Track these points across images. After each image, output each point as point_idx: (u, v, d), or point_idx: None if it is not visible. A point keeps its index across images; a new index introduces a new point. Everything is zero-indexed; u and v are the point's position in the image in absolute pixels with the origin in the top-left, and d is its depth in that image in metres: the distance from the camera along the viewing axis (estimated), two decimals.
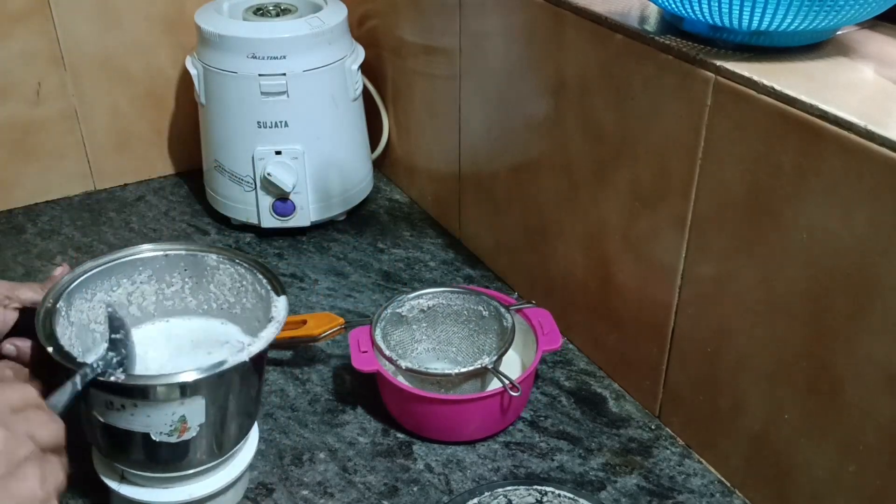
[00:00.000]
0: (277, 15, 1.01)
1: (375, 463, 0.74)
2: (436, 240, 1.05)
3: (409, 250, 1.03)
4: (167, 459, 0.62)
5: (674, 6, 0.63)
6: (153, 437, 0.59)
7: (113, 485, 0.65)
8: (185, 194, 1.15)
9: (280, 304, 0.66)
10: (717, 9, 0.60)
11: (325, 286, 0.96)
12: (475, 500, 0.67)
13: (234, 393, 0.62)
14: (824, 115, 0.54)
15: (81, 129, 1.10)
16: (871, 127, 0.52)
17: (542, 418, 0.78)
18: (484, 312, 0.80)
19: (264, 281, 0.68)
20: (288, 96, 0.96)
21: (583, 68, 0.74)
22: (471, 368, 0.74)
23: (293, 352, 0.85)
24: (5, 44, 1.02)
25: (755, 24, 0.59)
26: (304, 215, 1.03)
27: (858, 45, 0.65)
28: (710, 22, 0.62)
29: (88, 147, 1.12)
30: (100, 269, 0.68)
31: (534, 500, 0.67)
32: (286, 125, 0.98)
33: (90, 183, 1.14)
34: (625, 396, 0.81)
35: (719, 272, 0.66)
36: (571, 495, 0.67)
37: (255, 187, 1.00)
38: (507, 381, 0.72)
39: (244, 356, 0.59)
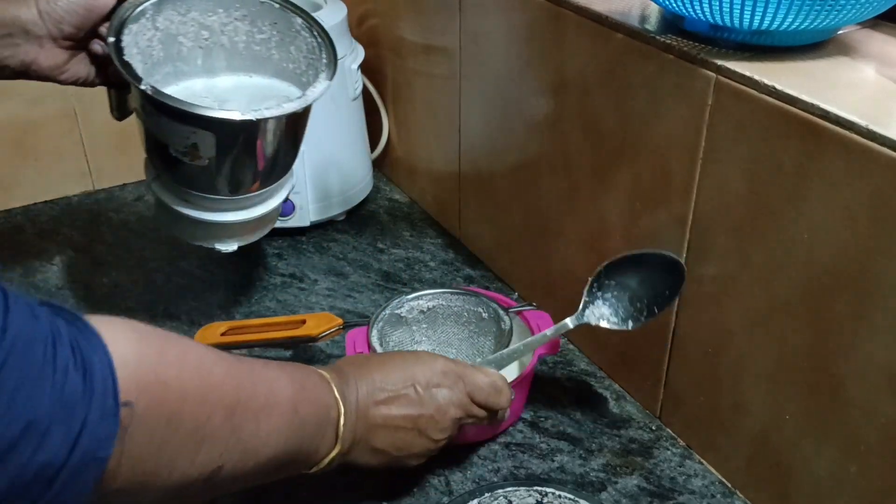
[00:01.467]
0: None
1: None
2: (436, 240, 1.05)
3: (408, 250, 1.03)
4: (186, 177, 0.71)
5: (675, 5, 0.63)
6: (170, 152, 0.68)
7: (149, 178, 0.76)
8: None
9: (318, 87, 0.71)
10: (718, 8, 0.60)
11: (324, 286, 0.96)
12: (475, 501, 0.67)
13: (248, 147, 0.69)
14: (825, 115, 0.54)
15: (80, 129, 1.10)
16: (873, 126, 0.52)
17: (542, 419, 0.78)
18: (483, 314, 0.80)
19: (325, 61, 0.73)
20: None
21: (583, 68, 0.74)
22: None
23: (292, 352, 0.85)
24: None
25: (756, 23, 0.59)
26: (304, 215, 1.03)
27: (859, 44, 0.65)
28: (711, 21, 0.62)
29: (87, 147, 1.12)
30: None
31: (534, 501, 0.66)
32: None
33: (89, 183, 1.14)
34: (625, 397, 0.81)
35: (720, 272, 0.66)
36: (572, 496, 0.66)
37: None
38: None
39: (247, 116, 0.66)
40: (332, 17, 0.99)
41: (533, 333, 0.78)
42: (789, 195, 0.58)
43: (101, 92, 1.09)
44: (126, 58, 0.67)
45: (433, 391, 0.64)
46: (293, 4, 0.76)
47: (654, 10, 0.71)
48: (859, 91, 0.58)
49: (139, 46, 0.68)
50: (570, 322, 0.73)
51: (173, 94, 0.68)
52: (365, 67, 1.05)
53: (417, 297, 0.81)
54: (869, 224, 0.54)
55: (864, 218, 0.54)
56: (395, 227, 1.08)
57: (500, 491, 0.67)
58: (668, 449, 0.75)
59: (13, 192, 1.10)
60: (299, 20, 0.74)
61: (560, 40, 0.76)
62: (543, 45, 0.78)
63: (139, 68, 0.67)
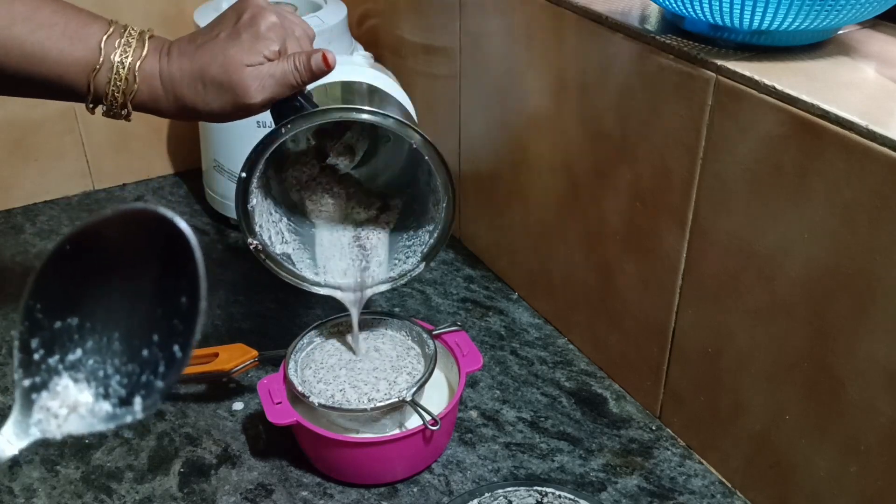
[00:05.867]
0: None
1: None
2: None
3: None
4: None
5: (675, 5, 0.63)
6: None
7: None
8: (184, 194, 1.15)
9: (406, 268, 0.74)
10: (718, 8, 0.60)
11: None
12: (475, 502, 0.67)
13: None
14: (825, 115, 0.54)
15: (80, 129, 1.10)
16: (873, 126, 0.52)
17: (542, 419, 0.78)
18: (406, 339, 0.77)
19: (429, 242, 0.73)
20: None
21: (583, 68, 0.74)
22: (387, 402, 0.69)
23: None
24: None
25: (756, 23, 0.59)
26: None
27: (860, 44, 0.65)
28: (711, 21, 0.62)
29: (87, 147, 1.12)
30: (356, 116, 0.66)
31: (534, 501, 0.66)
32: None
33: (89, 183, 1.14)
34: (625, 397, 0.81)
35: (720, 272, 0.66)
36: (572, 496, 0.66)
37: None
38: (427, 417, 0.68)
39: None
40: (333, 16, 0.99)
41: (454, 355, 0.75)
42: (789, 195, 0.58)
43: None
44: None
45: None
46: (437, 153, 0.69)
47: (654, 10, 0.71)
48: (859, 91, 0.58)
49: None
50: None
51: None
52: None
53: (337, 324, 0.78)
54: (869, 224, 0.54)
55: (864, 218, 0.54)
56: None
57: (500, 491, 0.67)
58: (668, 449, 0.75)
59: (13, 192, 1.10)
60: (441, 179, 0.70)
61: (560, 41, 0.76)
62: (543, 46, 0.78)
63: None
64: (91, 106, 0.61)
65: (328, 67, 0.61)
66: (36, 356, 0.43)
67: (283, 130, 0.63)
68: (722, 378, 0.69)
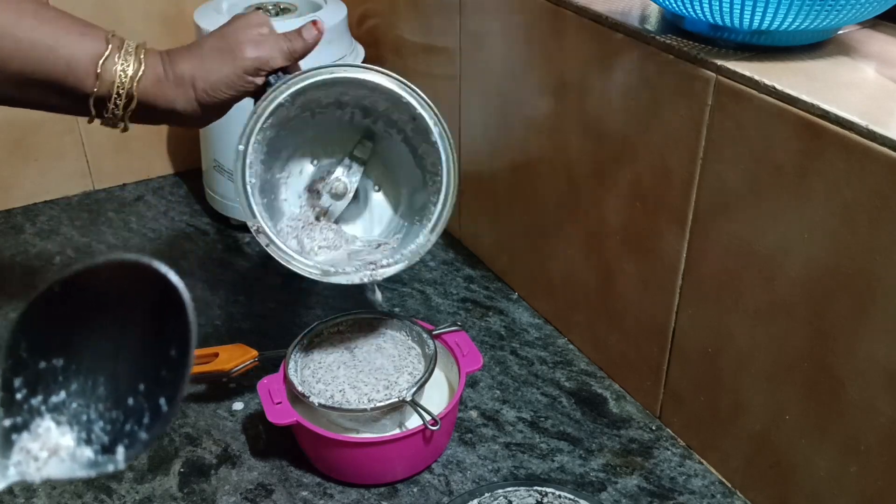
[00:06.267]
0: (277, 14, 1.01)
1: None
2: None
3: None
4: None
5: (675, 5, 0.63)
6: None
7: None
8: (185, 194, 1.15)
9: (418, 242, 0.71)
10: (718, 8, 0.60)
11: (325, 286, 0.95)
12: (475, 502, 0.67)
13: None
14: (825, 115, 0.54)
15: (80, 129, 1.10)
16: (873, 126, 0.52)
17: (542, 419, 0.78)
18: (407, 339, 0.77)
19: (436, 211, 0.71)
20: None
21: (583, 68, 0.74)
22: (388, 402, 0.69)
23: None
24: None
25: (756, 23, 0.59)
26: None
27: (860, 44, 0.65)
28: (711, 21, 0.62)
29: (87, 147, 1.12)
30: (341, 74, 0.68)
31: (534, 501, 0.66)
32: None
33: (89, 183, 1.14)
34: (625, 397, 0.81)
35: (720, 272, 0.66)
36: (572, 496, 0.66)
37: None
38: (427, 417, 0.68)
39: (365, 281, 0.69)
40: (333, 16, 0.99)
41: (454, 355, 0.75)
42: (789, 195, 0.58)
43: None
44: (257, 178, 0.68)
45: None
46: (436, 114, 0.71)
47: (654, 10, 0.71)
48: (859, 91, 0.58)
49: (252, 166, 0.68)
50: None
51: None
52: None
53: (336, 324, 0.77)
54: (869, 224, 0.54)
55: (864, 218, 0.54)
56: None
57: (500, 491, 0.67)
58: (668, 449, 0.75)
59: (13, 192, 1.10)
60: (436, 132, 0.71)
61: (560, 40, 0.76)
62: (543, 45, 0.78)
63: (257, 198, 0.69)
64: (93, 105, 0.62)
65: (319, 32, 0.67)
66: (18, 395, 0.41)
67: (274, 90, 0.66)
68: (722, 378, 0.69)
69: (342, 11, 1.01)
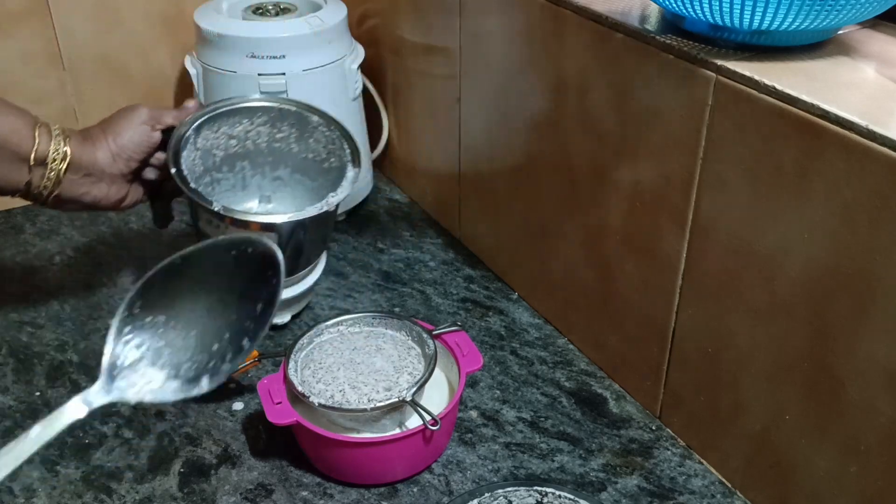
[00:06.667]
0: (277, 14, 1.01)
1: None
2: (436, 240, 1.05)
3: (408, 250, 1.03)
4: None
5: (675, 5, 0.63)
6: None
7: None
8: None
9: (349, 176, 0.81)
10: (718, 8, 0.60)
11: (324, 286, 0.96)
12: (475, 502, 0.67)
13: (304, 235, 0.79)
14: (825, 115, 0.54)
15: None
16: (873, 126, 0.52)
17: (542, 419, 0.78)
18: (407, 339, 0.77)
19: (347, 151, 0.83)
20: (287, 96, 0.96)
21: (583, 68, 0.74)
22: (388, 402, 0.69)
23: None
24: (4, 44, 1.02)
25: (756, 23, 0.59)
26: None
27: (860, 44, 0.65)
28: (711, 21, 0.62)
29: None
30: (226, 108, 0.82)
31: (534, 501, 0.66)
32: None
33: None
34: (625, 397, 0.81)
35: (720, 272, 0.66)
36: (572, 496, 0.66)
37: None
38: (427, 417, 0.68)
39: (282, 218, 0.76)
40: (332, 17, 0.99)
41: (454, 355, 0.75)
42: (789, 195, 0.58)
43: (101, 92, 1.09)
44: (193, 185, 0.77)
45: None
46: (309, 106, 0.85)
47: (654, 10, 0.71)
48: (859, 91, 0.58)
49: (187, 166, 0.78)
50: None
51: (226, 203, 0.78)
52: (365, 67, 1.05)
53: (337, 323, 0.77)
54: (869, 224, 0.54)
55: (864, 218, 0.54)
56: (395, 227, 1.07)
57: (500, 491, 0.67)
58: (668, 449, 0.75)
59: None
60: (315, 118, 0.85)
61: (560, 40, 0.76)
62: (543, 45, 0.78)
63: (193, 184, 0.78)
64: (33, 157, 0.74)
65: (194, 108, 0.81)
66: (125, 339, 0.55)
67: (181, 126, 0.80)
68: (722, 378, 0.69)
69: (342, 11, 1.01)
